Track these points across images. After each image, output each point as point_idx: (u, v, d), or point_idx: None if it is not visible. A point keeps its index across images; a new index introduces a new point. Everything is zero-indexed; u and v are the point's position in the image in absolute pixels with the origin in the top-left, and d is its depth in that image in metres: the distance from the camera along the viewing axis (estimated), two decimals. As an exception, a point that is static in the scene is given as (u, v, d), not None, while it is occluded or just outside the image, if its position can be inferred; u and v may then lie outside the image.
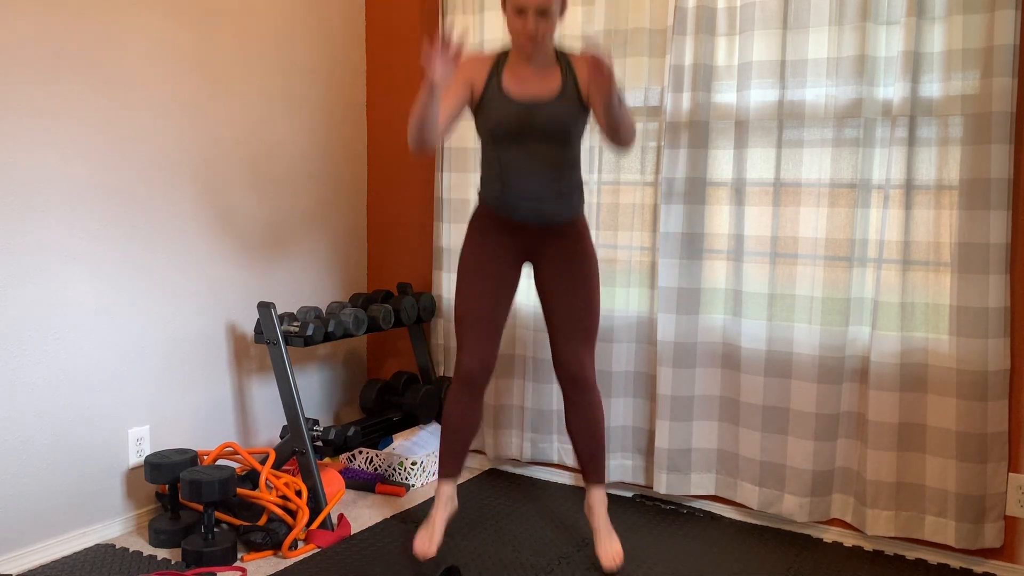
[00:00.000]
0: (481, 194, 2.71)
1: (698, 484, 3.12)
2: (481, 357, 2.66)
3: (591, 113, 2.73)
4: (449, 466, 2.75)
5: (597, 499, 2.76)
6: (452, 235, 3.49)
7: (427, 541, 2.66)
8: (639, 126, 3.12)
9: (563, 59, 2.62)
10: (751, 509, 3.07)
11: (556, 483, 3.42)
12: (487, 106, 2.60)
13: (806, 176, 2.85)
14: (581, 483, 3.41)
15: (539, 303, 3.12)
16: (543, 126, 2.57)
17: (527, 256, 2.73)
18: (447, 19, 3.42)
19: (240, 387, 3.31)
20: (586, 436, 2.73)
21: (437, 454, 2.75)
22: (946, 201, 2.65)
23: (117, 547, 2.78)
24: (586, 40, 2.64)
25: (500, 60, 2.62)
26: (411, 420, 3.44)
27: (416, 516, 3.08)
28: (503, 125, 2.58)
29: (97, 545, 2.79)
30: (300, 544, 2.77)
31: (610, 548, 2.68)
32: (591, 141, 3.19)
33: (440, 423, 2.63)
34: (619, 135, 2.47)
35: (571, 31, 3.19)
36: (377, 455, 3.42)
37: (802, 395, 2.87)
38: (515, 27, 2.52)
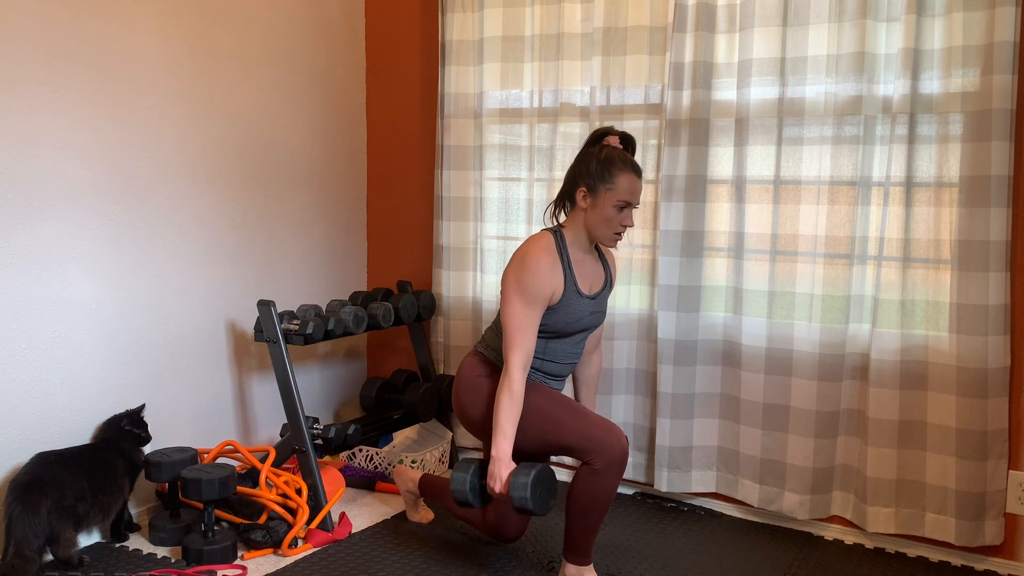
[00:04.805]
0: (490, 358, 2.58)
1: (699, 481, 3.12)
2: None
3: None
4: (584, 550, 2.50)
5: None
6: (452, 233, 3.49)
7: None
8: (639, 123, 3.12)
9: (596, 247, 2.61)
10: (751, 506, 3.06)
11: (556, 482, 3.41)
12: (565, 307, 2.48)
13: (806, 173, 2.85)
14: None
15: None
16: (594, 320, 2.57)
17: None
18: (447, 17, 3.41)
19: (240, 385, 3.31)
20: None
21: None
22: (946, 198, 2.65)
23: (117, 545, 2.78)
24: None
25: (562, 252, 2.48)
26: (411, 418, 3.44)
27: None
28: (576, 324, 2.52)
29: (97, 543, 2.79)
30: (300, 542, 2.77)
31: None
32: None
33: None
34: None
35: (570, 29, 3.19)
36: (377, 453, 3.42)
37: (802, 392, 2.87)
38: (611, 221, 2.44)
